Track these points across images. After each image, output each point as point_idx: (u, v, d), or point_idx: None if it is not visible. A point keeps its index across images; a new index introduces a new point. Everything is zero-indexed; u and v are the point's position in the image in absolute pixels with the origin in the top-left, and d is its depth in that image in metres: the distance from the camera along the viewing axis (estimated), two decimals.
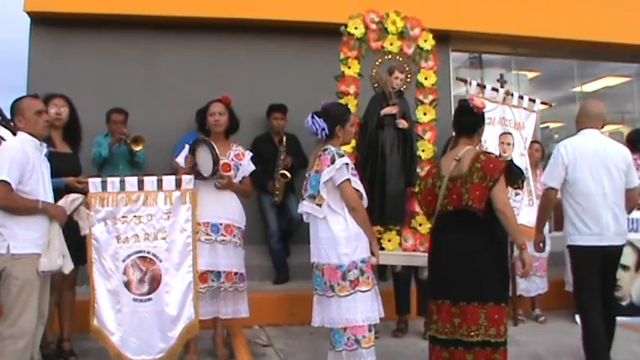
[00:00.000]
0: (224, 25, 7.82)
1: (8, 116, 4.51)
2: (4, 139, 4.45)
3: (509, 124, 6.96)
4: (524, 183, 6.63)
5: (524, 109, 7.13)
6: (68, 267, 4.36)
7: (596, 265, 4.92)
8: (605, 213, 4.89)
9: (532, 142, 7.16)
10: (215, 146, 4.82)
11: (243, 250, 5.24)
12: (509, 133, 6.75)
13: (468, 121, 4.34)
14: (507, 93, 7.13)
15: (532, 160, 7.05)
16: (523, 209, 6.75)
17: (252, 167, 5.31)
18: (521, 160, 6.83)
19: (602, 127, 5.24)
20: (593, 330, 4.92)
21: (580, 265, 5.05)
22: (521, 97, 7.23)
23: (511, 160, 6.63)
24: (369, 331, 4.35)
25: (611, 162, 4.95)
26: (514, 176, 6.24)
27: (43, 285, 4.29)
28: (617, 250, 5.03)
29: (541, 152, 7.26)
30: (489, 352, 4.05)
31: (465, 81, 7.07)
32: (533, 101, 7.34)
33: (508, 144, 6.65)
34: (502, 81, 7.36)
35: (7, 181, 4.01)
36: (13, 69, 7.94)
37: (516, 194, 6.65)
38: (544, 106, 7.54)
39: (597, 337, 4.91)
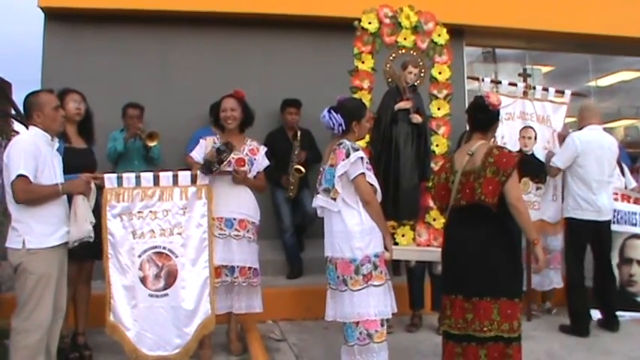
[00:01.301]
0: (238, 20, 7.83)
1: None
2: (18, 133, 4.47)
3: (531, 117, 6.92)
4: (547, 177, 6.62)
5: (550, 101, 7.06)
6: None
7: (589, 237, 6.14)
8: (603, 195, 6.08)
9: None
10: (232, 149, 4.84)
11: (257, 245, 5.25)
12: (531, 127, 6.73)
13: (483, 117, 4.33)
14: (528, 87, 7.09)
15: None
16: (546, 204, 6.72)
17: (267, 162, 5.30)
18: (544, 154, 6.80)
19: (600, 124, 6.32)
20: (578, 286, 6.12)
21: (576, 234, 6.16)
22: (545, 90, 7.17)
23: (532, 154, 6.63)
24: (382, 325, 4.34)
25: (610, 153, 6.18)
26: (535, 170, 6.28)
27: (61, 279, 4.31)
28: (608, 224, 6.23)
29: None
30: (502, 346, 4.04)
31: (477, 79, 7.05)
32: (562, 93, 7.26)
33: (529, 138, 6.66)
34: (525, 75, 7.30)
35: (25, 175, 4.02)
36: (28, 64, 8.00)
37: (537, 188, 6.62)
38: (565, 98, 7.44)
39: (581, 290, 6.12)
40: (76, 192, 4.33)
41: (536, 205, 6.57)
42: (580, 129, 6.27)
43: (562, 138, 6.83)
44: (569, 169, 6.20)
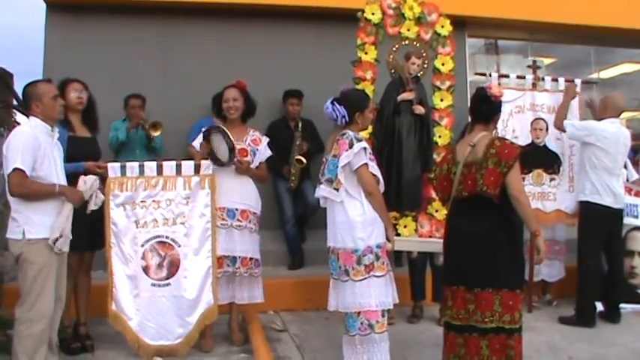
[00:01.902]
0: (240, 10, 7.81)
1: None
2: (19, 124, 4.47)
3: (542, 109, 6.89)
4: (561, 168, 6.63)
5: (561, 91, 7.02)
6: (65, 247, 4.27)
7: (605, 223, 6.16)
8: (617, 184, 6.18)
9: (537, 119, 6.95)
10: (228, 132, 4.83)
11: (259, 236, 5.26)
12: (542, 119, 6.73)
13: (485, 108, 4.29)
14: (537, 78, 7.06)
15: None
16: (563, 195, 6.74)
17: (269, 153, 5.30)
18: (557, 145, 6.79)
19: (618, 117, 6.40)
20: (593, 275, 6.13)
21: (593, 219, 6.15)
22: (555, 80, 7.15)
23: (545, 146, 6.64)
24: (383, 316, 4.36)
25: (625, 147, 6.27)
26: (548, 161, 6.29)
27: (60, 269, 4.32)
28: (622, 213, 6.33)
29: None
30: (504, 338, 4.02)
31: (484, 74, 7.04)
32: (572, 82, 7.24)
33: (541, 129, 6.69)
34: (534, 67, 7.26)
35: (21, 169, 4.02)
36: (30, 55, 7.97)
37: (551, 179, 6.63)
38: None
39: (592, 285, 6.14)
40: (70, 199, 4.26)
41: (551, 196, 6.60)
42: (600, 119, 6.29)
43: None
44: (585, 156, 6.24)
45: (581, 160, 6.35)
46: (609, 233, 6.24)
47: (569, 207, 6.69)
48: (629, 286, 6.64)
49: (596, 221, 6.15)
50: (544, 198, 6.51)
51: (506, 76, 7.09)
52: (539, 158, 6.44)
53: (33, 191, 4.12)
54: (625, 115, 10.72)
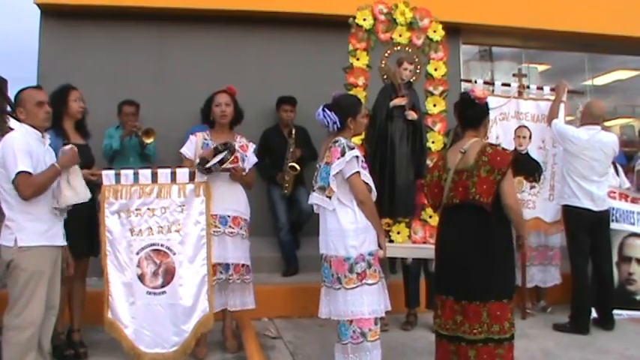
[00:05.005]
0: (234, 17, 7.82)
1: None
2: (12, 130, 4.46)
3: (526, 117, 6.91)
4: (542, 176, 6.65)
5: (547, 100, 7.04)
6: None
7: (587, 226, 6.15)
8: (597, 188, 6.14)
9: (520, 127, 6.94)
10: (234, 149, 4.88)
11: (249, 242, 5.26)
12: (526, 127, 6.74)
13: (472, 112, 4.27)
14: (522, 86, 7.08)
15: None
16: (542, 203, 6.76)
17: (255, 159, 5.32)
18: (539, 154, 6.81)
19: (601, 123, 6.38)
20: (583, 281, 6.15)
21: (575, 223, 6.21)
22: (540, 89, 7.17)
23: (527, 154, 6.64)
24: (375, 324, 4.32)
25: (604, 152, 6.17)
26: (530, 169, 6.29)
27: (54, 276, 4.30)
28: (606, 215, 6.31)
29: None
30: (492, 347, 3.98)
31: (470, 81, 7.05)
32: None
33: (524, 137, 6.69)
34: (520, 75, 7.29)
35: (24, 170, 4.02)
36: (24, 61, 7.96)
37: (531, 187, 6.64)
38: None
39: (584, 291, 6.14)
40: (72, 164, 4.31)
41: (530, 204, 6.61)
42: (581, 125, 6.34)
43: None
44: (563, 161, 6.39)
45: (562, 164, 6.48)
46: (594, 238, 6.22)
47: (549, 215, 6.74)
48: (626, 293, 6.65)
49: (578, 224, 6.19)
50: (523, 205, 6.50)
51: (492, 84, 7.11)
52: (521, 166, 6.43)
53: (42, 182, 4.13)
54: (619, 121, 10.78)
